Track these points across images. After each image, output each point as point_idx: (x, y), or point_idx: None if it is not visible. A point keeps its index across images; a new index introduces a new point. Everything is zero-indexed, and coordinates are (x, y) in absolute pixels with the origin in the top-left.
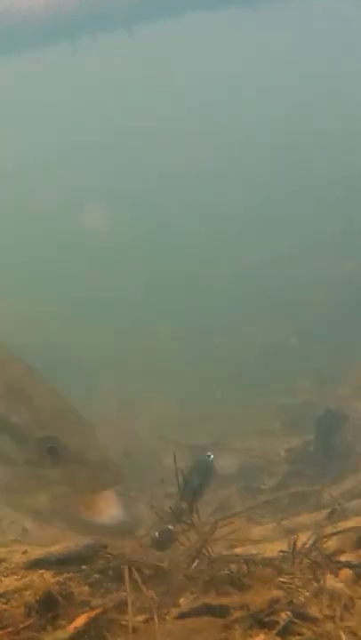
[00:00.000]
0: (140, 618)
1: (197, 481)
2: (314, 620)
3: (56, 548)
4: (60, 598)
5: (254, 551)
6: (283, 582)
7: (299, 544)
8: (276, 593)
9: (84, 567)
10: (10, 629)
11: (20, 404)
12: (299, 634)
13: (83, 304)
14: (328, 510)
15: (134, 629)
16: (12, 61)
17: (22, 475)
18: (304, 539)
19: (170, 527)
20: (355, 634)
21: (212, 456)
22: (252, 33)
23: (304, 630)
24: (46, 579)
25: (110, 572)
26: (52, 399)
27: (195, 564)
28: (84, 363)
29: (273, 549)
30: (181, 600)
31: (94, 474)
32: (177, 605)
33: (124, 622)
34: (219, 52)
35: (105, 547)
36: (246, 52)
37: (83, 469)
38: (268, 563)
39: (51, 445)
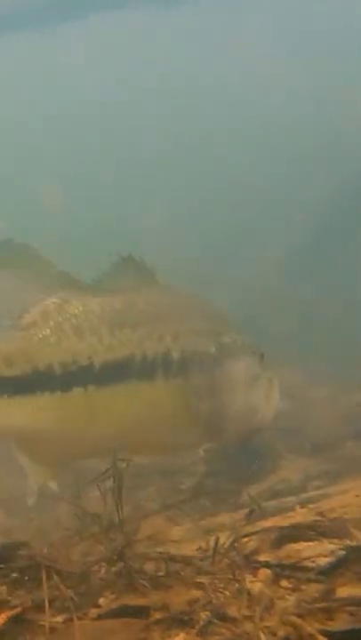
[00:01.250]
0: (59, 618)
1: None
2: (233, 621)
3: None
4: None
5: (174, 551)
6: (202, 582)
7: (218, 544)
8: (196, 593)
9: (2, 566)
10: None
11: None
12: (218, 634)
13: None
14: (246, 510)
15: (53, 630)
16: None
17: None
18: (223, 539)
19: None
20: (274, 634)
21: None
22: None
23: (223, 630)
24: None
25: (29, 572)
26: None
27: (116, 564)
28: None
29: (192, 549)
30: (101, 600)
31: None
32: (97, 606)
33: (42, 622)
34: None
35: (24, 545)
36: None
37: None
38: (187, 562)
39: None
